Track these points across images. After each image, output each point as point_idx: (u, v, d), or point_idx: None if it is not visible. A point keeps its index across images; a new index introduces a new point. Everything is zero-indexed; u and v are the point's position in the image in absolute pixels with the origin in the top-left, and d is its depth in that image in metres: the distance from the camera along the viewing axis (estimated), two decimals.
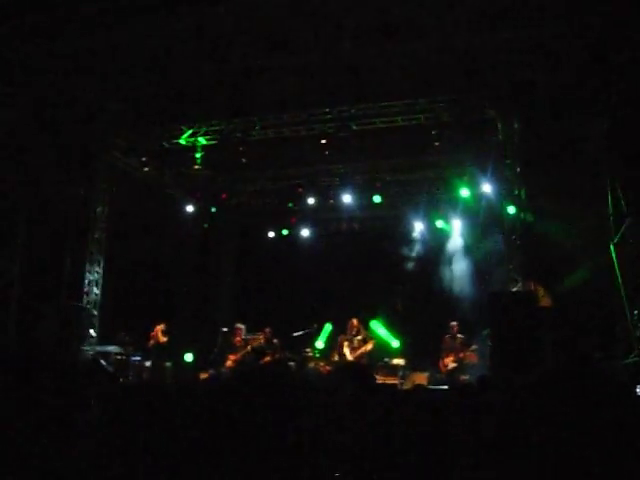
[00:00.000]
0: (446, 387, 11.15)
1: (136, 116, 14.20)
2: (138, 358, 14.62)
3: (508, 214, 13.56)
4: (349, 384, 3.98)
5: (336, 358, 14.45)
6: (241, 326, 14.92)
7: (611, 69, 10.88)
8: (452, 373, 13.91)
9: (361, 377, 4.15)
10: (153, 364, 14.22)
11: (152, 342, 14.68)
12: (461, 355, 14.24)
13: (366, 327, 15.17)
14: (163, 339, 14.67)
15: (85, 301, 14.70)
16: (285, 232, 18.90)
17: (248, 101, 13.58)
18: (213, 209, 17.59)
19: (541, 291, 12.57)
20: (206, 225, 17.89)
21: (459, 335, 14.44)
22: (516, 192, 13.46)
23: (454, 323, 14.58)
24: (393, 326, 16.67)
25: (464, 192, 15.83)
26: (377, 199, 16.44)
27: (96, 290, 15.00)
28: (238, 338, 14.82)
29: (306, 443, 1.71)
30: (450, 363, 14.17)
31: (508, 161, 13.68)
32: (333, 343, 15.28)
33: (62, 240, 14.51)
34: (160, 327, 14.72)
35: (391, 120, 14.04)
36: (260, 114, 14.26)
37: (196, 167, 15.77)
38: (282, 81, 12.86)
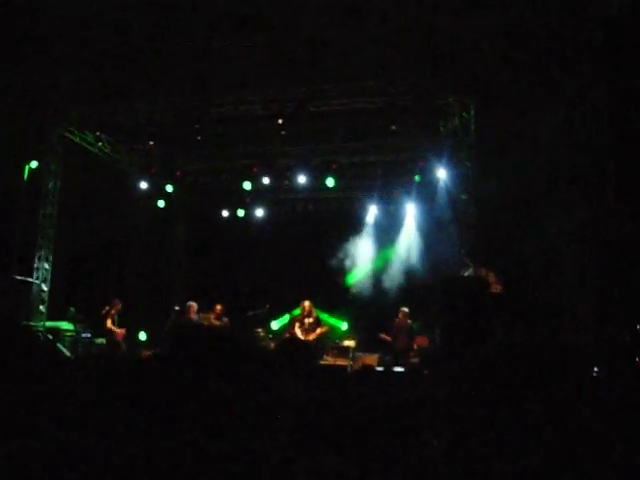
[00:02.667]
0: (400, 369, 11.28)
1: (91, 90, 13.97)
2: (88, 335, 14.46)
3: (461, 199, 13.70)
4: (289, 360, 3.99)
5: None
6: (193, 304, 14.82)
7: (571, 57, 11.01)
8: (404, 355, 14.02)
9: (301, 354, 4.16)
10: (107, 342, 13.98)
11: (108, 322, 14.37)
12: (413, 339, 14.40)
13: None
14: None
15: (35, 276, 14.49)
16: (241, 213, 18.79)
17: (206, 78, 13.46)
18: (168, 187, 17.38)
19: (492, 277, 12.71)
20: (160, 203, 17.69)
21: (409, 321, 14.55)
22: (470, 178, 13.60)
23: (405, 309, 14.68)
24: (342, 308, 16.84)
25: (417, 177, 15.95)
26: (330, 182, 16.45)
27: (46, 265, 14.78)
28: (190, 316, 14.73)
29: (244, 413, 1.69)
30: (402, 345, 14.26)
31: (463, 147, 13.80)
32: (285, 325, 15.34)
33: (12, 214, 14.26)
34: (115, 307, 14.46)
35: (349, 102, 14.04)
36: (217, 91, 14.13)
37: (151, 143, 15.59)
38: (240, 59, 12.77)
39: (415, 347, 14.34)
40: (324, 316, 16.02)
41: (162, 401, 1.67)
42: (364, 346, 15.30)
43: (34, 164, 14.35)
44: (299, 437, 2.17)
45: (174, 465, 1.60)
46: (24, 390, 2.11)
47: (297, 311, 14.92)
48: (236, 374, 1.70)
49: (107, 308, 13.89)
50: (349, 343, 15.16)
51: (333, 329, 15.82)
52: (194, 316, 14.69)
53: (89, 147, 15.62)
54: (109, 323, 13.89)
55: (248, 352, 1.79)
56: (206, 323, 14.70)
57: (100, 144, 15.67)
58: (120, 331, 13.95)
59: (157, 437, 1.65)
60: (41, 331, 13.40)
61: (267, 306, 15.72)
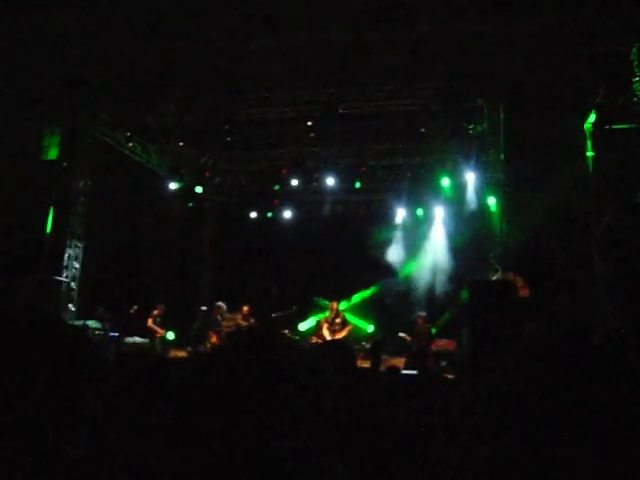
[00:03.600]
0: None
1: (123, 91, 14.11)
2: (116, 334, 14.59)
3: (489, 204, 13.65)
4: (333, 361, 4.02)
5: (314, 340, 14.51)
6: (222, 305, 14.90)
7: (598, 64, 10.95)
8: (420, 359, 13.97)
9: (345, 355, 4.20)
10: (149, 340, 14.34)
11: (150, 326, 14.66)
12: (431, 343, 14.36)
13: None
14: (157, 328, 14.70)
15: (64, 275, 14.65)
16: (269, 214, 18.89)
17: (235, 80, 13.54)
18: (198, 188, 17.48)
19: (520, 281, 12.65)
20: (190, 204, 17.82)
21: (427, 325, 14.52)
22: (498, 182, 13.55)
23: (422, 313, 14.67)
24: (369, 310, 16.88)
25: (445, 181, 15.92)
26: (357, 185, 16.49)
27: (76, 264, 14.94)
28: (216, 316, 14.80)
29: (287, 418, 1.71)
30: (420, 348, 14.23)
31: (491, 151, 13.76)
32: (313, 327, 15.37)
33: (44, 213, 14.44)
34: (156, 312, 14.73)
35: (378, 105, 14.07)
36: (247, 93, 14.22)
37: (181, 144, 15.71)
38: (270, 61, 12.82)
39: (434, 350, 14.29)
40: (350, 317, 16.05)
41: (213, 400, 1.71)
42: (390, 349, 15.28)
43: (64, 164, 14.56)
44: (336, 439, 2.20)
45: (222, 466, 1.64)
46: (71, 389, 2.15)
47: (325, 313, 14.97)
48: (283, 376, 1.73)
49: (153, 312, 14.39)
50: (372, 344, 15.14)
51: (359, 331, 15.83)
52: (219, 317, 14.77)
53: (120, 147, 15.76)
54: (150, 322, 14.34)
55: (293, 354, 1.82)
56: (232, 324, 14.79)
57: (130, 145, 15.81)
58: (161, 331, 14.33)
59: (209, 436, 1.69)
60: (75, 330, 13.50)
61: (294, 307, 15.74)
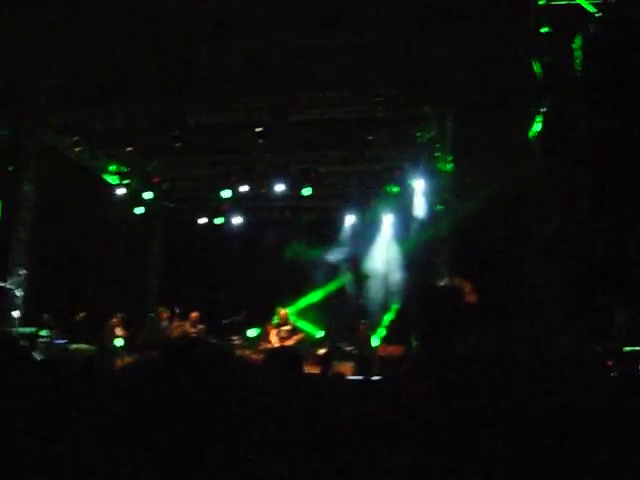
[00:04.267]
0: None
1: (69, 95, 13.92)
2: (62, 341, 14.38)
3: (437, 210, 13.82)
4: (279, 370, 4.04)
5: (263, 347, 14.49)
6: (168, 312, 14.82)
7: (547, 71, 11.16)
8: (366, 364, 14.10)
9: (291, 363, 4.22)
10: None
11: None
12: (387, 349, 14.49)
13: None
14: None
15: (9, 282, 14.39)
16: (218, 220, 18.84)
17: (184, 85, 13.46)
18: (146, 194, 17.34)
19: (467, 287, 12.80)
20: (138, 210, 17.65)
21: (367, 332, 14.80)
22: (445, 188, 13.72)
23: (363, 321, 15.00)
24: (317, 317, 16.97)
25: (393, 188, 16.09)
26: (307, 191, 16.56)
27: (20, 271, 14.68)
28: (160, 323, 14.71)
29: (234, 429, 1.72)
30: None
31: (439, 157, 13.92)
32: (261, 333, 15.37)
33: None
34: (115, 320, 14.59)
35: (326, 112, 14.13)
36: (195, 99, 14.15)
37: (129, 150, 15.57)
38: (219, 67, 12.80)
39: (380, 356, 14.45)
40: (300, 323, 16.10)
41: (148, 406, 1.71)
42: (338, 354, 15.35)
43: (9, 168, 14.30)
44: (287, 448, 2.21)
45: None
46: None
47: (274, 319, 14.97)
48: (221, 385, 1.73)
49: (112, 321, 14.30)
50: (323, 351, 15.19)
51: (308, 336, 15.87)
52: (164, 323, 14.69)
53: (67, 152, 15.55)
54: (119, 331, 14.36)
55: (230, 362, 1.82)
56: (181, 330, 14.69)
57: (77, 150, 15.60)
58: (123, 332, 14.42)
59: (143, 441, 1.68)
60: (15, 337, 13.30)
61: (243, 313, 15.71)
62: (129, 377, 1.84)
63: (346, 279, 18.05)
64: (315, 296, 18.06)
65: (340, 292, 18.04)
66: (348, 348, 14.37)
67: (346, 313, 16.85)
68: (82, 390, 2.55)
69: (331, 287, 18.13)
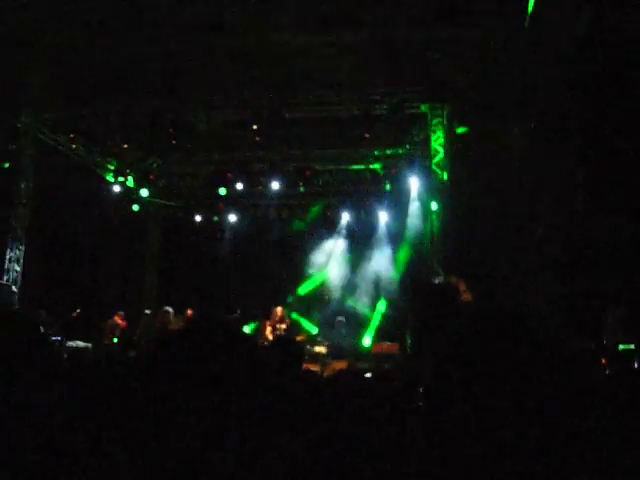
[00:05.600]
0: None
1: (64, 92, 13.92)
2: (58, 338, 14.38)
3: (432, 208, 13.86)
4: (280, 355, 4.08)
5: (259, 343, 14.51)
6: (168, 309, 14.82)
7: (539, 72, 11.23)
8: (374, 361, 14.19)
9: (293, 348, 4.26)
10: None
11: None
12: (381, 346, 14.57)
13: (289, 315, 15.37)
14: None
15: (5, 278, 14.40)
16: (215, 218, 18.89)
17: (180, 82, 13.48)
18: (143, 191, 17.36)
19: (462, 285, 12.82)
20: (135, 207, 17.66)
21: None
22: (441, 187, 13.76)
23: (340, 318, 15.21)
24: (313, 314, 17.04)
25: (389, 186, 16.13)
26: (302, 189, 16.64)
27: (17, 267, 14.70)
28: (159, 320, 14.71)
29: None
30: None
31: (435, 156, 13.96)
32: (257, 330, 15.37)
33: None
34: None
35: (322, 109, 14.16)
36: (192, 96, 14.17)
37: (125, 147, 15.57)
38: (216, 64, 12.82)
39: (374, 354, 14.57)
40: (296, 317, 16.19)
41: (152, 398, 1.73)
42: (335, 352, 15.40)
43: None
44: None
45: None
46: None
47: (270, 317, 15.05)
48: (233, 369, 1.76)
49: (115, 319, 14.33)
50: (320, 349, 15.22)
51: (305, 334, 15.91)
52: (163, 322, 14.69)
53: (63, 149, 15.55)
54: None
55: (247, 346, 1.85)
56: (175, 327, 14.69)
57: (74, 146, 15.60)
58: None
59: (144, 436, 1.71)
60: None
61: (238, 311, 15.73)
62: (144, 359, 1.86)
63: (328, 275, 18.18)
64: (306, 288, 18.19)
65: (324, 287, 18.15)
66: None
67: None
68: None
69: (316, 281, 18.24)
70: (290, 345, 4.19)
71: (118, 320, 14.55)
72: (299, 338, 14.40)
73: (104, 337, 14.42)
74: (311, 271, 18.14)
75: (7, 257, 14.52)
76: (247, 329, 16.44)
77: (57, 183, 15.24)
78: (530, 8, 10.02)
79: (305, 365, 14.26)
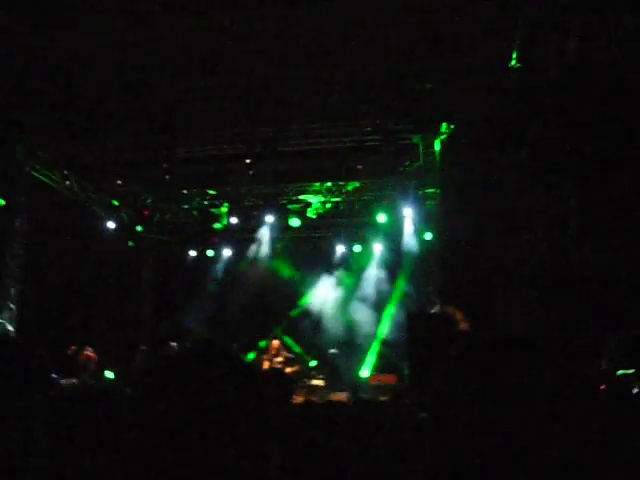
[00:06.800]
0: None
1: (58, 128, 13.96)
2: (55, 376, 14.25)
3: (426, 238, 13.89)
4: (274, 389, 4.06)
5: None
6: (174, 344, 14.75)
7: (531, 102, 11.31)
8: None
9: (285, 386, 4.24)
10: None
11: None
12: (378, 377, 14.53)
13: (286, 348, 15.33)
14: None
15: (0, 316, 14.30)
16: (210, 253, 18.89)
17: (173, 118, 13.54)
18: (138, 227, 17.37)
19: (459, 315, 12.79)
20: (129, 243, 17.65)
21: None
22: (435, 216, 13.81)
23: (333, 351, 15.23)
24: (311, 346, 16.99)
25: (381, 217, 16.15)
26: (295, 222, 16.66)
27: (12, 305, 14.60)
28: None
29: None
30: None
31: (428, 187, 14.02)
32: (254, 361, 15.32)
33: None
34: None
35: (315, 142, 14.23)
36: (185, 131, 14.23)
37: (119, 183, 15.60)
38: (209, 99, 12.91)
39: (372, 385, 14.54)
40: (294, 347, 16.17)
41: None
42: (332, 385, 15.32)
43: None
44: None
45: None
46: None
47: (266, 351, 15.00)
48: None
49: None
50: (317, 382, 15.14)
51: (302, 367, 15.83)
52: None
53: (57, 186, 15.55)
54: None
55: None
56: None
57: (67, 183, 15.61)
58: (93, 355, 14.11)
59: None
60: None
61: (235, 345, 15.66)
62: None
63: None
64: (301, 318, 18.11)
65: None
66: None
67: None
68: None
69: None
70: (279, 378, 4.18)
71: (90, 354, 14.29)
72: (293, 369, 14.32)
73: (78, 372, 14.15)
74: (306, 302, 18.07)
75: (2, 295, 14.42)
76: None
77: (52, 220, 15.23)
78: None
79: (301, 398, 14.27)
